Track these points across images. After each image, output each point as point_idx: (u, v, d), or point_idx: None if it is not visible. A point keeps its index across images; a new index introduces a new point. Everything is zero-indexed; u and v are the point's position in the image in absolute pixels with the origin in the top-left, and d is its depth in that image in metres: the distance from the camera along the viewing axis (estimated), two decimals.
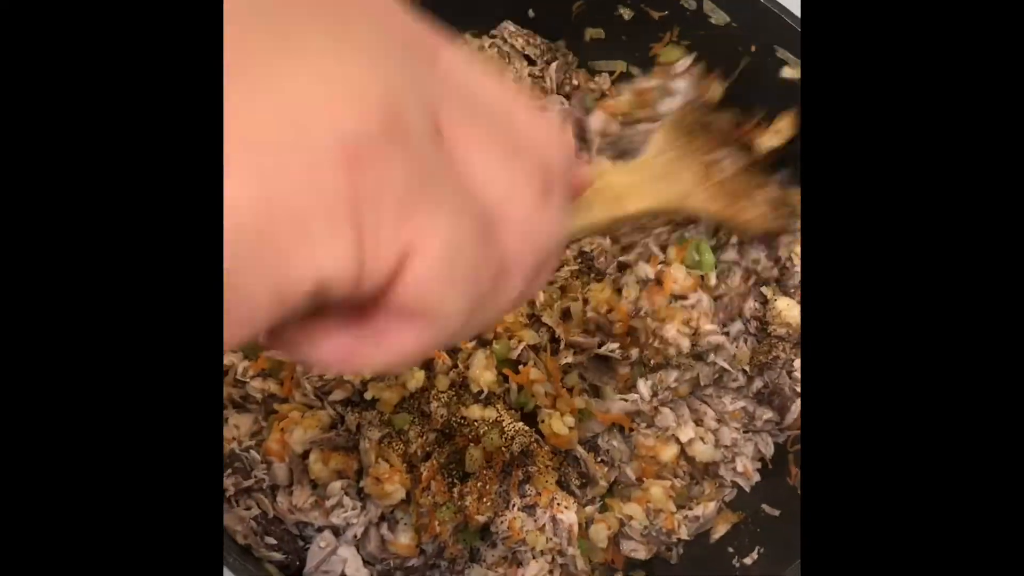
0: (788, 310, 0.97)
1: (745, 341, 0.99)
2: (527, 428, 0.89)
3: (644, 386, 0.95)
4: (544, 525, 0.87)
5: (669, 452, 0.95)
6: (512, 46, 1.09)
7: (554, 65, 1.10)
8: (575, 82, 1.14)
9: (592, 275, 0.99)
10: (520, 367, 0.93)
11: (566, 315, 0.96)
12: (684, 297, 0.96)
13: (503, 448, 0.87)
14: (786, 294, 1.00)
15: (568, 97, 1.13)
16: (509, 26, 1.10)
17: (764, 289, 1.01)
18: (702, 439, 0.95)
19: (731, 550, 0.98)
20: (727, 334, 0.99)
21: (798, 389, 0.96)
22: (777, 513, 0.98)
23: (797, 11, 0.99)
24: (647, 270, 0.96)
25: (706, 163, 0.94)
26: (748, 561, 0.95)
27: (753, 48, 1.04)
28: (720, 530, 0.98)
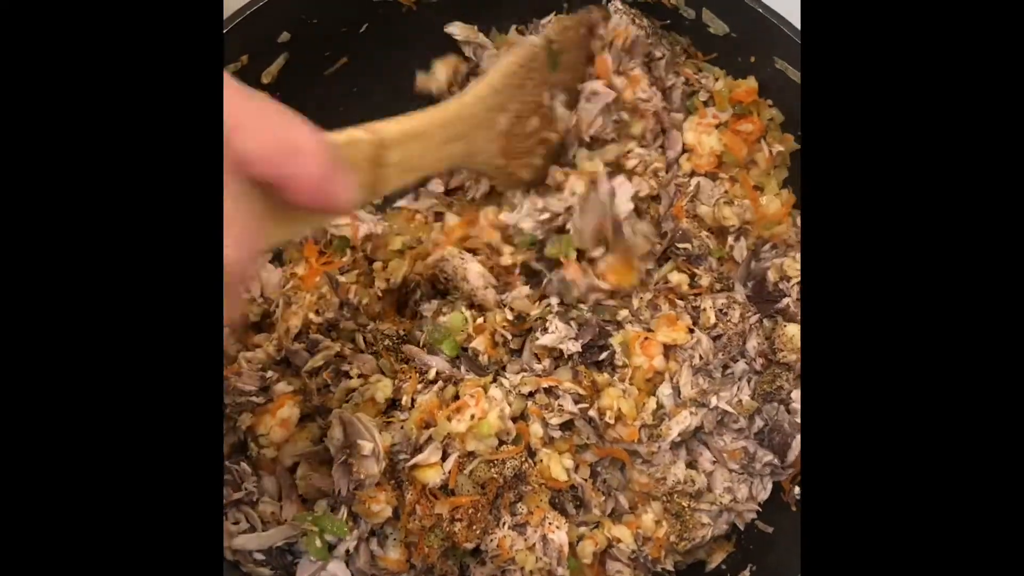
0: (800, 336, 0.94)
1: (749, 381, 0.97)
2: (516, 447, 0.88)
3: (643, 433, 0.93)
4: (534, 544, 0.86)
5: (661, 491, 0.93)
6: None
7: (663, 62, 1.05)
8: (681, 77, 1.07)
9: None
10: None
11: None
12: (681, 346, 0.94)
13: (495, 476, 0.86)
14: (791, 320, 0.97)
15: (665, 92, 1.06)
16: (616, 2, 1.05)
17: (766, 321, 0.98)
18: (693, 480, 0.94)
19: (724, 567, 0.97)
20: (731, 374, 0.97)
21: (798, 422, 0.94)
22: (770, 530, 0.97)
23: (796, 22, 0.97)
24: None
25: (515, 118, 0.90)
26: None
27: (752, 59, 1.03)
28: (716, 559, 0.97)
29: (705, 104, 1.07)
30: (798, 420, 0.94)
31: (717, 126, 1.03)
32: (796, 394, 0.95)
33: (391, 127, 0.71)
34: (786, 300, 0.97)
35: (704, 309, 0.96)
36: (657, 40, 1.05)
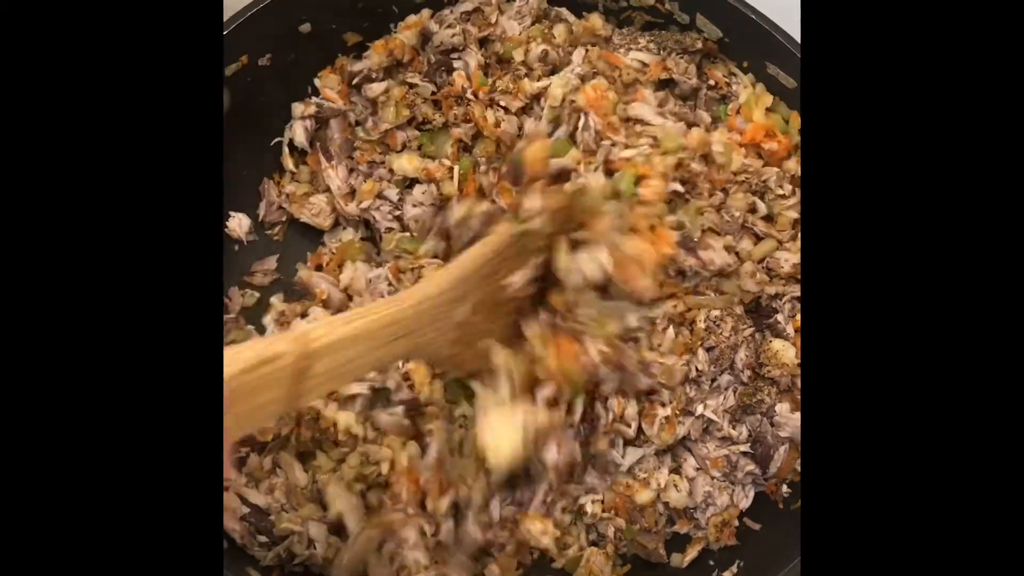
0: (784, 351, 0.96)
1: (734, 392, 0.98)
2: None
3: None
4: None
5: (646, 495, 0.95)
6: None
7: (672, 59, 1.02)
8: (710, 81, 1.05)
9: None
10: None
11: None
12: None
13: None
14: (778, 336, 0.98)
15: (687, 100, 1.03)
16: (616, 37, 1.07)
17: (756, 335, 0.99)
18: (675, 486, 0.96)
19: (711, 563, 0.98)
20: (717, 387, 0.98)
21: (781, 435, 0.96)
22: (758, 527, 0.98)
23: (787, 27, 0.99)
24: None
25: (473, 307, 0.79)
26: (727, 575, 0.96)
27: (745, 64, 1.05)
28: (691, 553, 0.99)
29: (737, 112, 1.03)
30: (781, 434, 0.97)
31: (742, 145, 1.00)
32: (780, 408, 0.97)
33: (324, 334, 0.62)
34: (776, 316, 0.99)
35: (695, 321, 0.98)
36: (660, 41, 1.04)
